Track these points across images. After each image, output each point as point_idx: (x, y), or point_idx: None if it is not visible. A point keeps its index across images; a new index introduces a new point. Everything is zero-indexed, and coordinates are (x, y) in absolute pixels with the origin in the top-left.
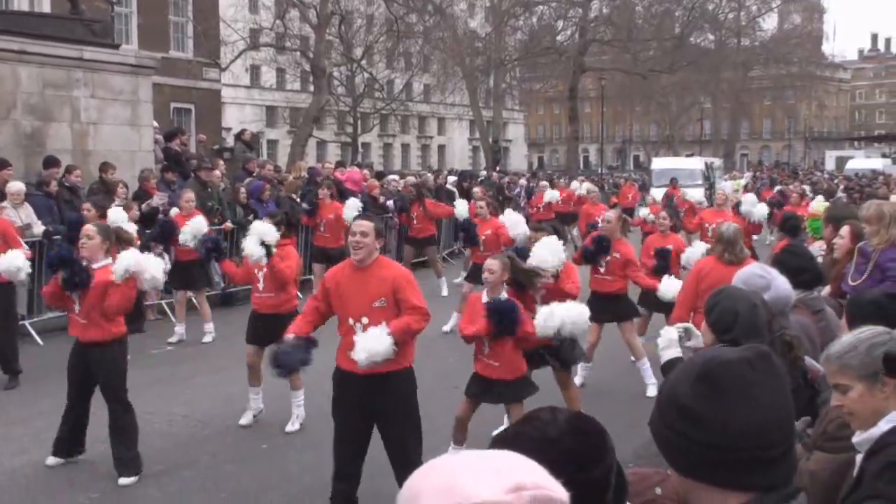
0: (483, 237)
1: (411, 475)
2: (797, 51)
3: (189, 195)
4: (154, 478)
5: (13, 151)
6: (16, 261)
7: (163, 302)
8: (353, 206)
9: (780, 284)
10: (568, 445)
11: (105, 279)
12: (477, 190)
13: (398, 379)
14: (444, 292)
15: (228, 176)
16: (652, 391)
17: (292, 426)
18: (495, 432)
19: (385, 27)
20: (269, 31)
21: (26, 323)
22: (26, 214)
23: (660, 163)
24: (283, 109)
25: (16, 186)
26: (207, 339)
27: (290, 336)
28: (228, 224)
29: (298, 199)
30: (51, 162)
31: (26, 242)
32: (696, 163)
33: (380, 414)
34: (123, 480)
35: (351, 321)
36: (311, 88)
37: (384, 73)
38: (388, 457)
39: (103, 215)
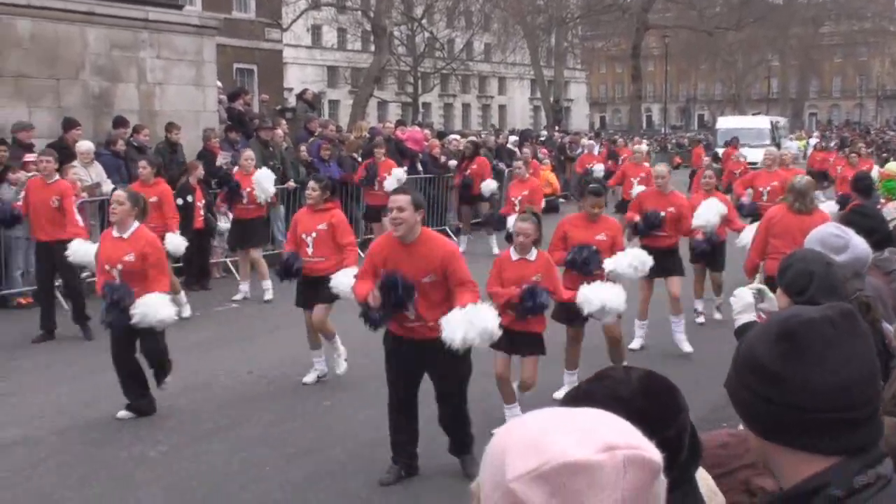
0: (520, 197)
1: (499, 430)
2: (870, 5)
3: (249, 153)
4: (221, 432)
5: (82, 112)
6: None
7: (227, 260)
8: (395, 177)
9: (858, 244)
10: (640, 405)
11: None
12: (527, 151)
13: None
14: (495, 250)
15: (290, 136)
16: (687, 347)
17: (340, 370)
18: (557, 393)
19: None
20: None
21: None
22: (96, 173)
23: (725, 122)
24: (344, 69)
25: (85, 145)
26: (268, 296)
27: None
28: (291, 183)
29: (360, 159)
30: (119, 122)
31: (95, 201)
32: (763, 122)
33: (433, 372)
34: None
35: None
36: (372, 48)
37: (445, 33)
38: (438, 404)
39: (158, 173)
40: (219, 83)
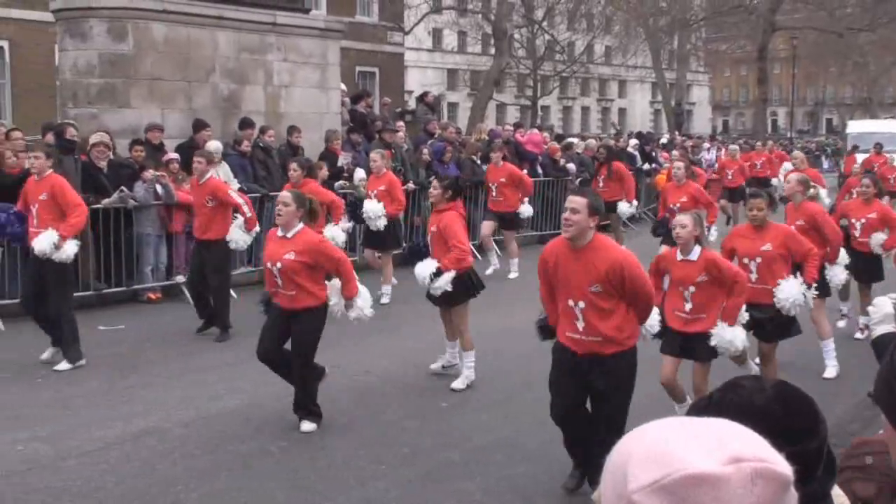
0: (678, 204)
1: (622, 440)
2: None
3: (375, 155)
4: (338, 431)
5: (211, 113)
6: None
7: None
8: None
9: None
10: (777, 415)
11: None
12: (675, 153)
13: (621, 358)
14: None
15: (410, 138)
16: (831, 372)
17: (460, 384)
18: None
19: None
20: None
21: None
22: (224, 173)
23: (856, 126)
24: (464, 72)
25: (213, 146)
26: (385, 300)
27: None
28: (411, 185)
29: (479, 161)
30: (245, 123)
31: None
32: None
33: (595, 392)
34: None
35: (571, 302)
36: (492, 51)
37: (565, 35)
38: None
39: (310, 174)
40: (343, 86)
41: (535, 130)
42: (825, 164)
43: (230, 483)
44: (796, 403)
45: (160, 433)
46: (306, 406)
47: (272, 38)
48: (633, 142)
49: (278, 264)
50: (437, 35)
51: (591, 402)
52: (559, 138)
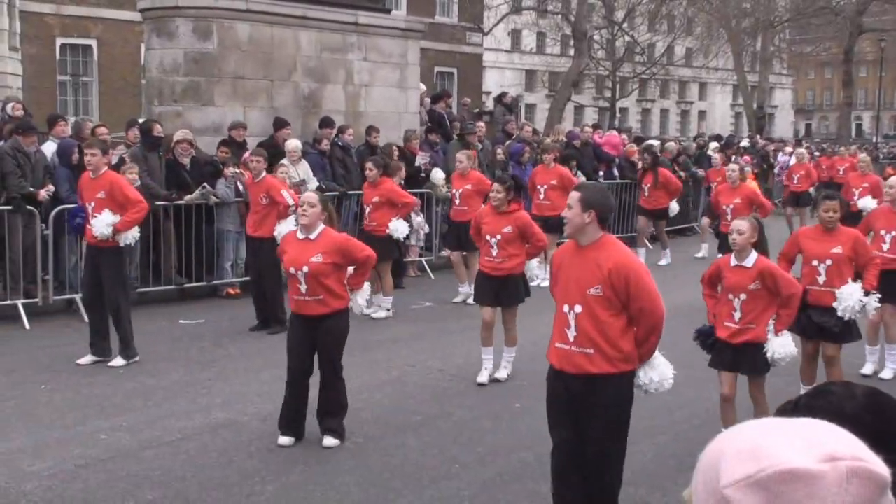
0: (731, 205)
1: (716, 437)
2: None
3: (461, 156)
4: (412, 428)
5: (292, 111)
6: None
7: (423, 259)
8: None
9: None
10: (868, 423)
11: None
12: (738, 161)
13: (616, 382)
14: (664, 261)
15: (488, 138)
16: (888, 374)
17: (501, 373)
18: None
19: None
20: None
21: None
22: (303, 171)
23: None
24: (542, 73)
25: (293, 144)
26: (458, 299)
27: None
28: None
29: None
30: (325, 122)
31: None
32: None
33: (586, 417)
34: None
35: (566, 308)
36: (571, 52)
37: (646, 37)
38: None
39: (386, 173)
40: (422, 86)
41: (614, 132)
42: None
43: (305, 477)
44: (890, 411)
45: (238, 426)
46: (339, 417)
47: (353, 38)
48: (714, 144)
49: (305, 268)
50: (515, 36)
51: (581, 431)
52: (637, 140)
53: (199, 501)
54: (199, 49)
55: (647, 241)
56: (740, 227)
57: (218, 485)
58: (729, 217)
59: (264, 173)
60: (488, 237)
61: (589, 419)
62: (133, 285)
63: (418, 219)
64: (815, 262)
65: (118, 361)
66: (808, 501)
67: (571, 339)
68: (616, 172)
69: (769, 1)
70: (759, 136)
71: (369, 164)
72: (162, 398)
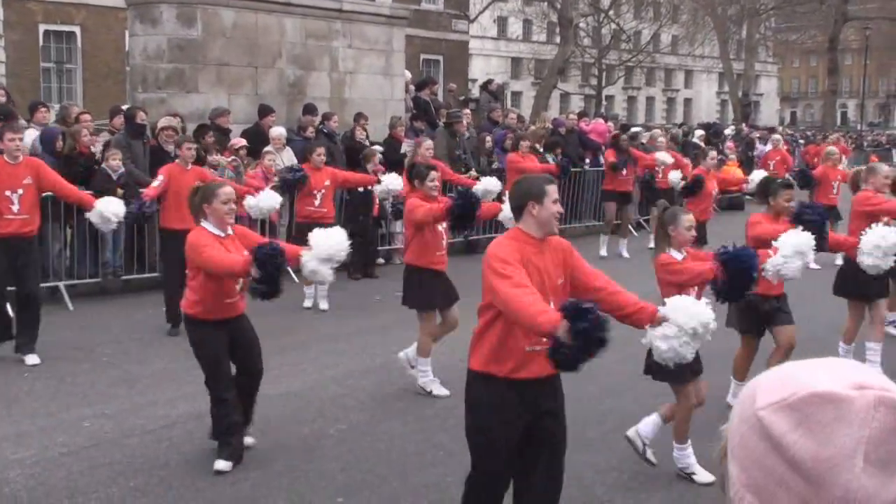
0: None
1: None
2: None
3: (429, 143)
4: (397, 415)
5: (277, 98)
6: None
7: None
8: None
9: None
10: None
11: None
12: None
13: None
14: (626, 254)
15: (474, 126)
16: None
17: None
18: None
19: None
20: None
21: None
22: (288, 158)
23: None
24: (528, 61)
25: (277, 131)
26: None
27: None
28: (473, 172)
29: (542, 150)
30: (309, 109)
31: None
32: None
33: (540, 422)
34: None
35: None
36: (557, 40)
37: (631, 24)
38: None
39: (382, 163)
40: (407, 73)
41: (600, 119)
42: (895, 158)
43: (290, 464)
44: None
45: None
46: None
47: (338, 25)
48: (699, 132)
49: None
50: (501, 23)
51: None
52: (624, 128)
53: (182, 489)
54: (183, 36)
55: (631, 229)
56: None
57: (202, 472)
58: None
59: (190, 165)
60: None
61: (549, 405)
62: (118, 273)
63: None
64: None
65: (34, 359)
66: (835, 424)
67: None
68: (602, 160)
69: None
70: (744, 124)
71: (320, 150)
72: (146, 386)
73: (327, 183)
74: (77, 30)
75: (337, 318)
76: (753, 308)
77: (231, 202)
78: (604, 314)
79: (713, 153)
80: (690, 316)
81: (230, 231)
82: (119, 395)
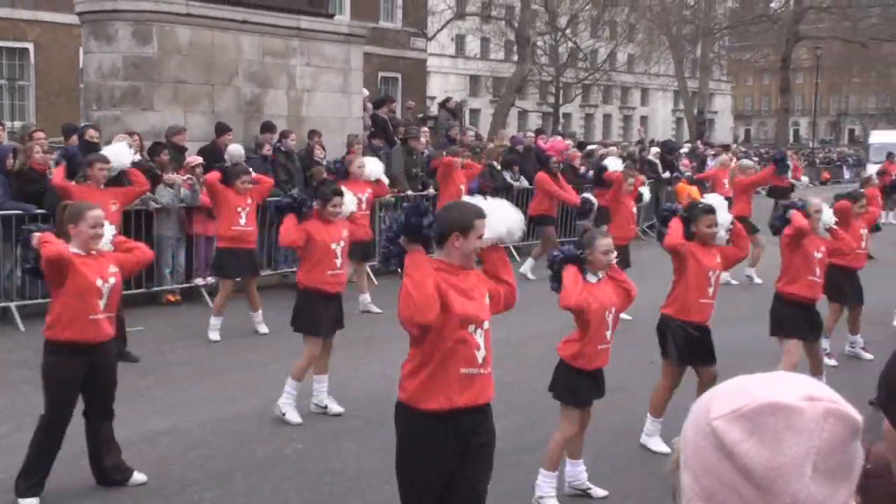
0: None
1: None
2: None
3: (360, 161)
4: (355, 432)
5: (234, 116)
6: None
7: (366, 265)
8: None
9: None
10: None
11: None
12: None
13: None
14: (530, 275)
15: (433, 143)
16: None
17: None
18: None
19: None
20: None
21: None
22: None
23: (879, 136)
24: (486, 79)
25: (235, 149)
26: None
27: None
28: (431, 190)
29: (500, 168)
30: (268, 127)
31: None
32: None
33: (469, 454)
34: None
35: (472, 328)
36: (515, 58)
37: (588, 43)
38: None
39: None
40: (365, 90)
41: (559, 137)
42: (846, 175)
43: (245, 484)
44: None
45: (177, 433)
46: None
47: (296, 43)
48: (655, 150)
49: (111, 280)
50: (459, 41)
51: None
52: (581, 146)
53: None
54: (138, 53)
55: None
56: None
57: (156, 493)
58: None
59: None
60: (333, 245)
61: (482, 438)
62: None
63: None
64: (710, 274)
65: None
66: (787, 433)
67: (481, 360)
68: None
69: (709, 8)
70: (699, 142)
71: (245, 178)
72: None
73: (249, 201)
74: (30, 46)
75: (291, 337)
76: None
77: (99, 226)
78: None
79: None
80: (501, 221)
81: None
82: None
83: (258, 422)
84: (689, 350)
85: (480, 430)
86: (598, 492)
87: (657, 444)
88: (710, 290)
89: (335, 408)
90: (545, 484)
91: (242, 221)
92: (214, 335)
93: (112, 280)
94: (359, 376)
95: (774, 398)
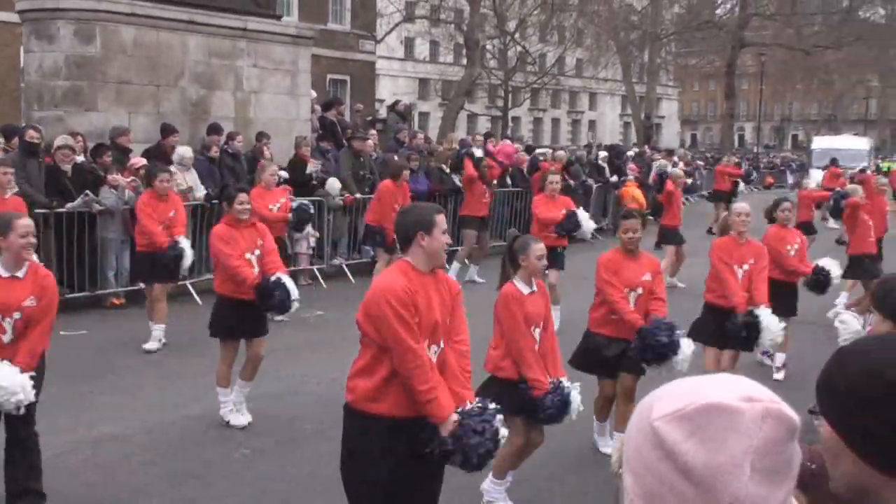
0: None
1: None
2: None
3: (273, 168)
4: (306, 438)
5: (180, 118)
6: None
7: (315, 268)
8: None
9: None
10: None
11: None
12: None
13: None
14: (478, 279)
15: (381, 146)
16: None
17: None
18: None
19: (540, 0)
20: (424, 3)
21: (188, 283)
22: (191, 178)
23: (821, 142)
24: (436, 82)
25: (182, 151)
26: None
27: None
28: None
29: (448, 171)
30: (215, 129)
31: (188, 206)
32: (862, 143)
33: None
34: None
35: (425, 343)
36: (464, 61)
37: (537, 47)
38: None
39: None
40: (313, 92)
41: (507, 141)
42: (790, 179)
43: (194, 492)
44: None
45: (122, 439)
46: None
47: (243, 44)
48: (603, 154)
49: (16, 314)
50: (409, 44)
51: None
52: (529, 149)
53: None
54: (81, 52)
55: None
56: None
57: (101, 501)
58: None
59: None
60: (248, 254)
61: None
62: None
63: (308, 227)
64: (627, 291)
65: None
66: (726, 433)
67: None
68: (509, 181)
69: (656, 14)
70: (646, 146)
71: (164, 176)
72: (41, 412)
73: (172, 214)
74: None
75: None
76: (596, 351)
77: (30, 235)
78: (495, 428)
79: (554, 178)
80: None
81: (25, 269)
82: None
83: (206, 427)
84: (587, 360)
85: (432, 439)
86: None
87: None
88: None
89: (239, 421)
90: (493, 490)
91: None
92: (154, 344)
93: (17, 315)
94: (308, 380)
95: (714, 399)
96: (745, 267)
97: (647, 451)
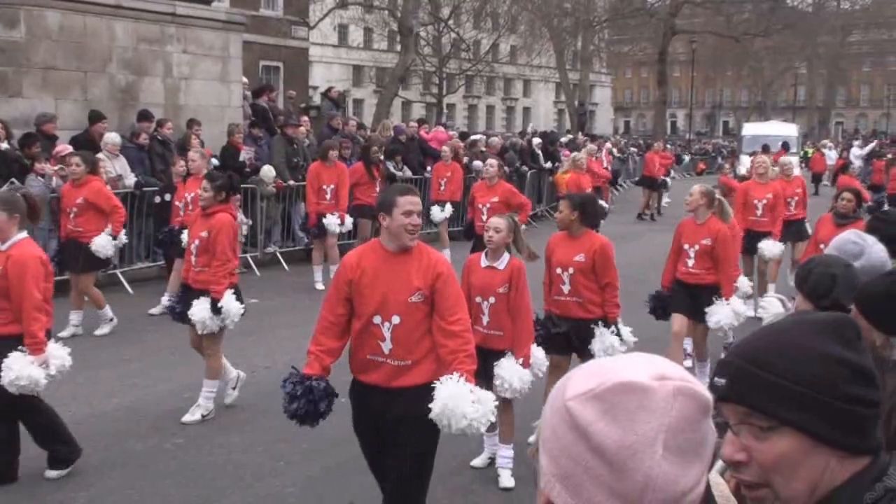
0: (489, 204)
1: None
2: None
3: (193, 154)
4: (238, 426)
5: (108, 104)
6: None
7: (248, 255)
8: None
9: (875, 252)
10: None
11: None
12: (492, 160)
13: (422, 392)
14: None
15: (314, 133)
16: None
17: (191, 416)
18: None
19: None
20: None
21: (118, 272)
22: (120, 166)
23: (751, 128)
24: (370, 69)
25: (111, 138)
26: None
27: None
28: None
29: (383, 158)
30: (143, 116)
31: (117, 193)
32: (791, 129)
33: (392, 428)
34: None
35: (378, 319)
36: (398, 48)
37: (471, 34)
38: (387, 486)
39: (93, 171)
40: (244, 79)
41: (441, 128)
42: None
43: (123, 481)
44: None
45: None
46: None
47: (172, 30)
48: (537, 140)
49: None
50: (342, 31)
51: (388, 467)
52: (463, 136)
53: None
54: (5, 38)
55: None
56: (497, 225)
57: (28, 492)
58: (485, 217)
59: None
60: (191, 245)
61: (397, 422)
62: None
63: (240, 215)
64: (559, 271)
65: None
66: (638, 412)
67: (387, 352)
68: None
69: (588, 1)
70: (580, 133)
71: (76, 160)
72: None
73: (80, 201)
74: None
75: (172, 329)
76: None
77: None
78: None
79: (492, 161)
80: (457, 418)
81: None
82: None
83: (137, 417)
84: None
85: (391, 410)
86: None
87: None
88: (565, 288)
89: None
90: (506, 456)
91: (72, 217)
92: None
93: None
94: (241, 368)
95: (626, 378)
96: (697, 247)
97: (562, 432)
